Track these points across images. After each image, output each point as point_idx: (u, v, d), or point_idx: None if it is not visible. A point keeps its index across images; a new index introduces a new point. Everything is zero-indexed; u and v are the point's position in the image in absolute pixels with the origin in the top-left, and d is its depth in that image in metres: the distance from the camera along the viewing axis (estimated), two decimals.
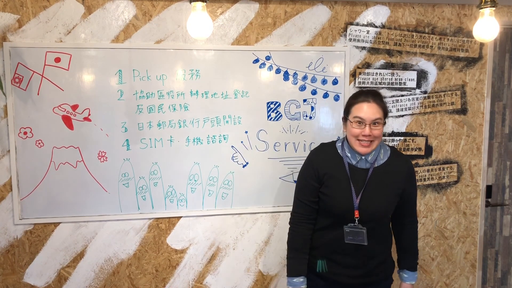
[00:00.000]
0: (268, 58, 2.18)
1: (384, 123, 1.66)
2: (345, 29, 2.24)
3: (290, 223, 1.78)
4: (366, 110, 1.61)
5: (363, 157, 1.67)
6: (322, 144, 1.82)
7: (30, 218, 2.07)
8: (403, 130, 2.35)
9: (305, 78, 2.22)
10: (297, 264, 1.71)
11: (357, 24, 2.25)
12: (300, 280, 1.69)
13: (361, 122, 1.61)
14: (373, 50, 2.28)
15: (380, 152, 1.70)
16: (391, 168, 1.69)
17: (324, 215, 1.72)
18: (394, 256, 1.83)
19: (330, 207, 1.68)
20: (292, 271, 1.72)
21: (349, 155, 1.69)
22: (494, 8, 1.85)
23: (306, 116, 2.24)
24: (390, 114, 2.32)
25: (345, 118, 1.71)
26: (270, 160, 2.23)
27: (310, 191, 1.72)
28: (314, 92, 2.24)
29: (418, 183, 2.38)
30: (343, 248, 1.67)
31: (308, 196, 1.72)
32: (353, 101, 1.68)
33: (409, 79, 2.32)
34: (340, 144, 1.74)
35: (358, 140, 1.63)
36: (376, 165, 1.68)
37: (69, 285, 2.14)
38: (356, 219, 1.63)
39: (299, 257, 1.72)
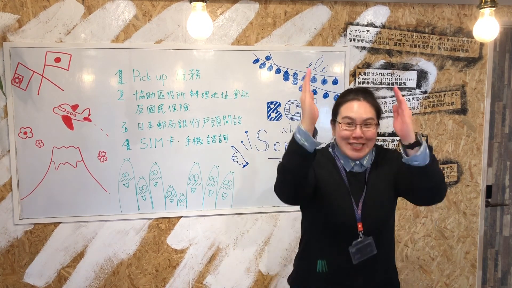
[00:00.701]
0: (268, 58, 2.18)
1: (378, 124, 1.50)
2: (345, 29, 2.24)
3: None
4: (357, 109, 1.45)
5: (357, 162, 1.50)
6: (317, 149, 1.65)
7: (30, 218, 2.07)
8: None
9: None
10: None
11: (357, 24, 2.25)
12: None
13: (351, 123, 1.45)
14: (373, 50, 2.28)
15: (372, 154, 1.55)
16: (382, 164, 1.54)
17: (320, 231, 1.53)
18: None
19: (329, 219, 1.49)
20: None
21: (342, 161, 1.52)
22: (494, 8, 1.85)
23: None
24: (390, 114, 2.32)
25: (334, 120, 1.54)
26: (270, 160, 2.23)
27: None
28: (314, 92, 2.23)
29: None
30: (350, 271, 1.49)
31: None
32: (341, 100, 1.52)
33: (409, 79, 2.32)
34: (332, 149, 1.57)
35: (349, 143, 1.47)
36: (370, 167, 1.53)
37: (69, 285, 2.14)
38: (360, 232, 1.46)
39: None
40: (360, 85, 2.28)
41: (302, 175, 1.36)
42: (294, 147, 1.31)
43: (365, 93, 1.51)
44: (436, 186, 1.37)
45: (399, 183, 1.48)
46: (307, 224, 1.62)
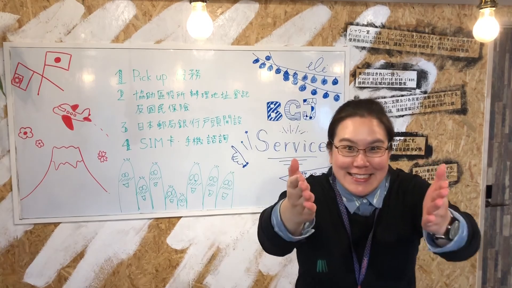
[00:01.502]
0: (268, 58, 2.18)
1: (390, 148, 1.13)
2: (345, 29, 2.24)
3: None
4: (358, 128, 1.08)
5: (364, 200, 1.13)
6: (312, 177, 1.27)
7: (30, 218, 2.07)
8: (403, 130, 2.35)
9: (305, 78, 2.22)
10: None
11: (357, 24, 2.25)
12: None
13: (351, 147, 1.08)
14: (373, 50, 2.28)
15: (385, 188, 1.17)
16: (396, 200, 1.15)
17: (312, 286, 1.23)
18: None
19: (324, 277, 1.17)
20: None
21: (345, 198, 1.16)
22: (494, 8, 1.85)
23: (306, 116, 2.24)
24: (390, 114, 2.32)
25: (330, 143, 1.17)
26: (270, 160, 2.23)
27: None
28: (314, 92, 2.24)
29: None
30: None
31: None
32: (338, 116, 1.15)
33: (409, 79, 2.32)
34: (332, 180, 1.21)
35: (349, 173, 1.10)
36: (380, 206, 1.14)
37: (69, 285, 2.14)
38: None
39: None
40: (360, 85, 2.28)
41: (287, 249, 1.08)
42: (269, 227, 0.99)
43: (370, 106, 1.12)
44: (473, 254, 1.01)
45: (418, 225, 1.01)
46: (300, 270, 1.33)
